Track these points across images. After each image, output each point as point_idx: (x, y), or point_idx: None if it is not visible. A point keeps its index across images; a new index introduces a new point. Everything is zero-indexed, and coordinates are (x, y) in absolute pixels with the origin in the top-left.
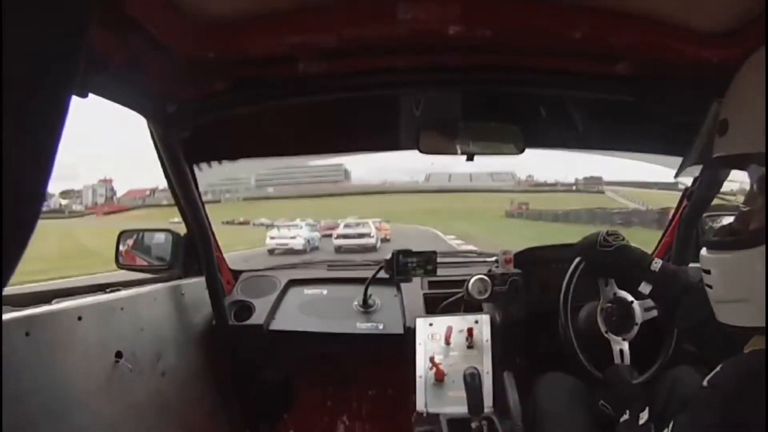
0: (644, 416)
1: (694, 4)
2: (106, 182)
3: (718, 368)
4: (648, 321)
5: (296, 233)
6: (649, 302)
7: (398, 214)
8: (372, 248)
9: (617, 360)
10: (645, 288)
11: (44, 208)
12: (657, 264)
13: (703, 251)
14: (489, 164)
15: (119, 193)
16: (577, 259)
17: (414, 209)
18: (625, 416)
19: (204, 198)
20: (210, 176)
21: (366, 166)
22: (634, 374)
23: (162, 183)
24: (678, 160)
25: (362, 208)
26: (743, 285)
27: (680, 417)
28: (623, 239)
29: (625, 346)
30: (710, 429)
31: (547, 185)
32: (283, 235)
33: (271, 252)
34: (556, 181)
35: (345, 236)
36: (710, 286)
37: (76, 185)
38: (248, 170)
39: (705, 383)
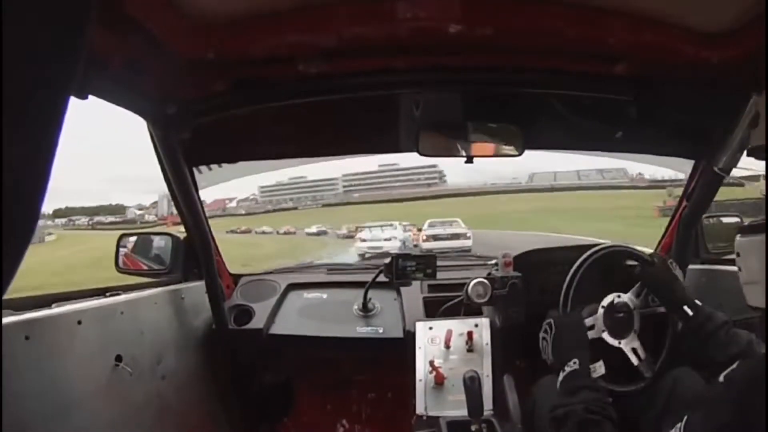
0: (599, 369)
1: (694, 5)
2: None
3: (734, 365)
4: (647, 324)
5: (391, 234)
6: (648, 311)
7: (502, 218)
8: (468, 251)
9: (634, 361)
10: (688, 310)
11: (118, 219)
12: (698, 303)
13: (737, 237)
14: (594, 161)
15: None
16: (579, 261)
17: (514, 210)
18: (572, 365)
19: (283, 205)
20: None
21: (460, 168)
22: (649, 370)
23: (242, 193)
24: (678, 160)
25: (458, 212)
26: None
27: (694, 411)
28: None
29: (636, 343)
30: (724, 423)
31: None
32: (376, 236)
33: (362, 257)
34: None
35: (435, 237)
36: (740, 269)
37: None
38: (335, 173)
39: (721, 378)
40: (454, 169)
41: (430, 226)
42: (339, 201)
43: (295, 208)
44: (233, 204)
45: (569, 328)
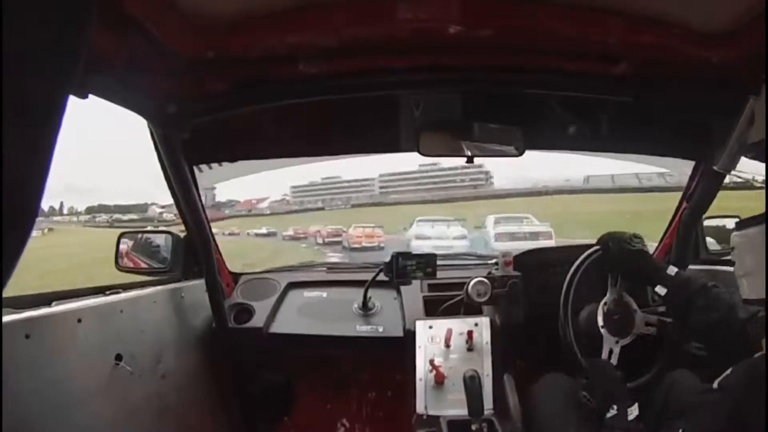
0: (634, 411)
1: (693, 5)
2: (207, 189)
3: (728, 371)
4: (646, 324)
5: (461, 232)
6: (652, 318)
7: (580, 219)
8: None
9: (604, 355)
10: (660, 290)
11: (136, 217)
12: (672, 270)
13: (733, 233)
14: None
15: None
16: (579, 260)
17: (591, 211)
18: (613, 411)
19: (311, 205)
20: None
21: (506, 168)
22: (617, 374)
23: (274, 194)
24: (679, 160)
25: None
26: (757, 258)
27: (691, 418)
28: (645, 245)
29: (617, 348)
30: (719, 430)
31: None
32: (442, 234)
33: None
34: None
35: (512, 236)
36: (735, 263)
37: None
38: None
39: (715, 385)
40: (500, 170)
41: (497, 223)
42: (375, 201)
43: (322, 209)
44: (264, 204)
45: (607, 378)
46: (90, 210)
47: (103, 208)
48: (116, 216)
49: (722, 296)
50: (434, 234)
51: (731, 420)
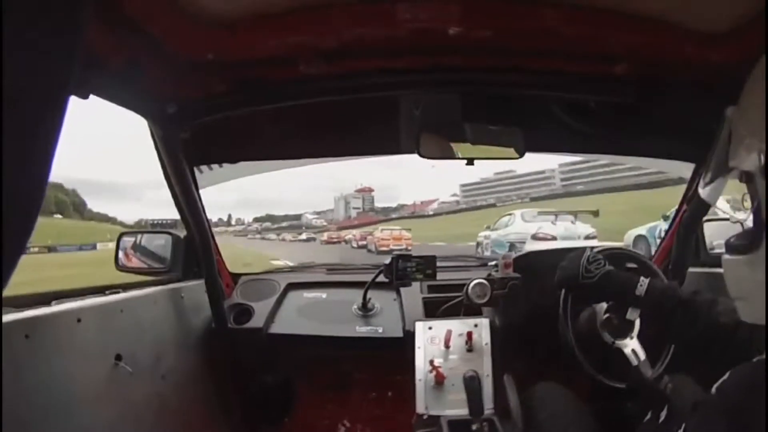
0: (663, 414)
1: (694, 5)
2: (364, 192)
3: (726, 375)
4: (647, 325)
5: (590, 230)
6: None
7: None
8: None
9: (633, 361)
10: (632, 314)
11: (285, 225)
12: (642, 287)
13: (724, 255)
14: None
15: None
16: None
17: None
18: (648, 416)
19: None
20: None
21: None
22: (648, 371)
23: (443, 195)
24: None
25: None
26: (751, 282)
27: (689, 423)
28: (605, 264)
29: (635, 344)
30: None
31: None
32: (570, 233)
33: None
34: None
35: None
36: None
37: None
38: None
39: (713, 390)
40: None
41: (524, 218)
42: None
43: (494, 205)
44: (435, 206)
45: (647, 384)
46: (257, 219)
47: (269, 218)
48: (265, 225)
49: (701, 308)
50: (563, 233)
51: (730, 425)
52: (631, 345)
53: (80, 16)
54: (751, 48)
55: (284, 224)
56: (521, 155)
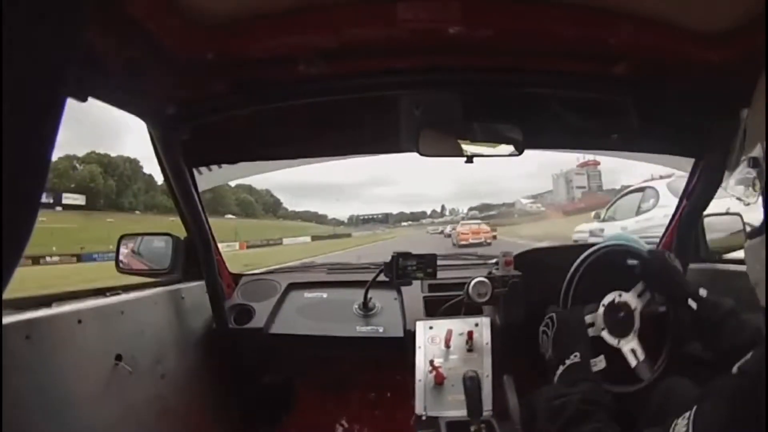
0: (600, 363)
1: (693, 5)
2: (588, 165)
3: (748, 355)
4: (647, 325)
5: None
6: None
7: None
8: None
9: (632, 362)
10: (692, 303)
11: (494, 213)
12: (703, 292)
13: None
14: None
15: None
16: (579, 260)
17: None
18: (574, 359)
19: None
20: None
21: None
22: (647, 371)
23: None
24: (679, 160)
25: None
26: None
27: (703, 404)
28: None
29: (635, 344)
30: (738, 413)
31: None
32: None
33: None
34: None
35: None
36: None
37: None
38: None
39: (735, 369)
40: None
41: None
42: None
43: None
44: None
45: (571, 324)
46: (472, 209)
47: (485, 207)
48: (472, 213)
49: (750, 319)
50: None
51: (748, 403)
52: (631, 344)
53: (80, 17)
54: (751, 48)
55: (493, 212)
56: (521, 152)
